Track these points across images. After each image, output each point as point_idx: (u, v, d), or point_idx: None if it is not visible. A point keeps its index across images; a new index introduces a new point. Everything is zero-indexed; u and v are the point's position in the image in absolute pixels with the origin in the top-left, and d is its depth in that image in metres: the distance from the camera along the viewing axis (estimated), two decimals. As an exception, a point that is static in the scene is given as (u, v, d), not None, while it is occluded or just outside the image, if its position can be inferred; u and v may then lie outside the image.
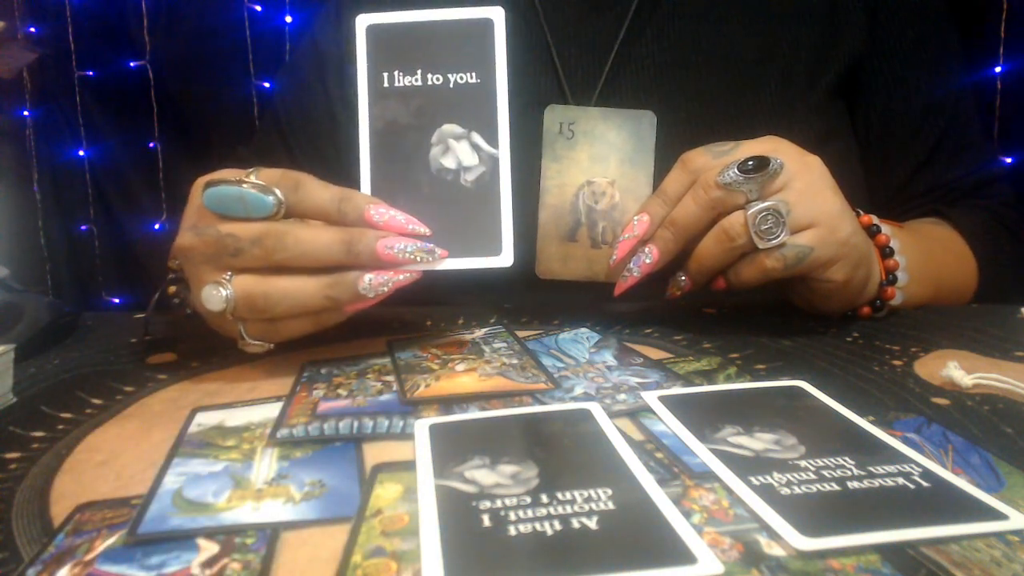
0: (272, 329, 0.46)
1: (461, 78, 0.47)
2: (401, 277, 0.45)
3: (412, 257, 0.45)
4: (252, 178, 0.45)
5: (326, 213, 0.46)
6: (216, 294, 0.44)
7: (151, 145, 1.49)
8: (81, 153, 1.52)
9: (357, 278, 0.45)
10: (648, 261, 0.51)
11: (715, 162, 0.49)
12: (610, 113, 0.56)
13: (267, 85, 1.42)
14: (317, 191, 0.46)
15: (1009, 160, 0.97)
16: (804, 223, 0.48)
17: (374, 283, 0.45)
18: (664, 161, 0.54)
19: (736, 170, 0.47)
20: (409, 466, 0.34)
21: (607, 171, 0.55)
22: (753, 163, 0.47)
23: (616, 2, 0.68)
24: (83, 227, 1.55)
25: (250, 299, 0.44)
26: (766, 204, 0.47)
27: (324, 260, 0.44)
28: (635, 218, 0.51)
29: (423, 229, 0.46)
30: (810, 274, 0.50)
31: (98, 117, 1.52)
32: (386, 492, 0.31)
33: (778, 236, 0.47)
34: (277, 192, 0.44)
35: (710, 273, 0.51)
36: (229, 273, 0.44)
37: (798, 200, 0.48)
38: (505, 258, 0.47)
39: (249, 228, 0.44)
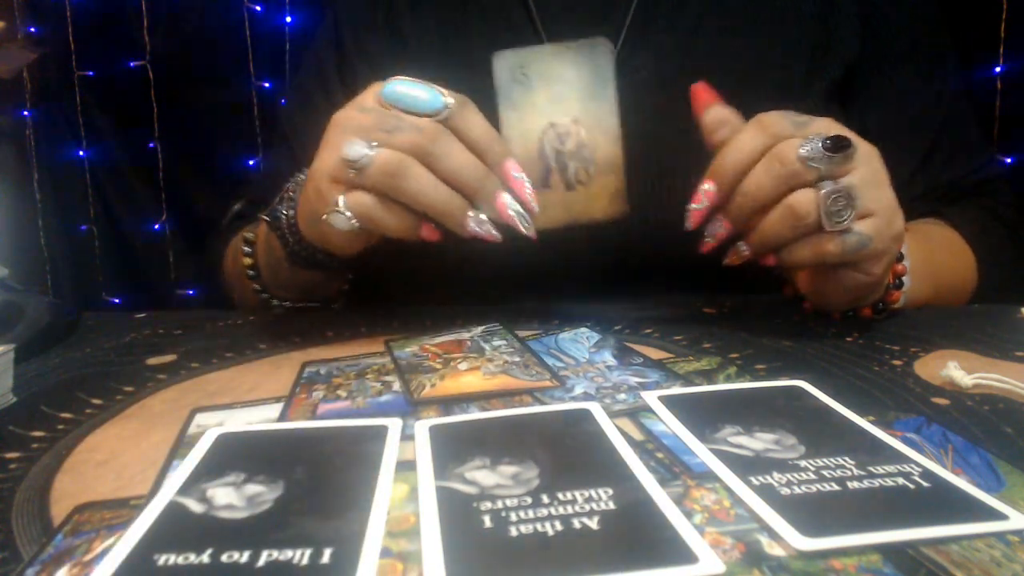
0: (368, 212, 0.48)
1: None
2: (495, 232, 0.49)
3: (514, 218, 0.49)
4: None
5: (476, 143, 0.48)
6: (358, 147, 0.46)
7: (151, 145, 1.49)
8: (81, 153, 1.52)
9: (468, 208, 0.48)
10: (721, 231, 0.50)
11: (793, 131, 0.48)
12: (562, 48, 0.53)
13: (267, 85, 1.42)
14: (478, 120, 0.49)
15: (1009, 160, 0.97)
16: (866, 211, 0.47)
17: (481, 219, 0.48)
18: (650, 174, 0.52)
19: (820, 146, 0.46)
20: (415, 466, 0.34)
21: (569, 110, 0.53)
22: (833, 142, 0.46)
23: (612, 15, 0.68)
24: (83, 227, 1.55)
25: (389, 165, 0.46)
26: (839, 185, 0.46)
27: (459, 176, 0.47)
28: (703, 187, 0.50)
29: (535, 206, 0.49)
30: (858, 265, 0.49)
31: (98, 117, 1.52)
32: (393, 492, 0.31)
33: (845, 220, 0.46)
34: (449, 100, 0.47)
35: (771, 248, 0.50)
36: (376, 143, 0.47)
37: (863, 187, 0.47)
38: None
39: (413, 118, 0.47)
